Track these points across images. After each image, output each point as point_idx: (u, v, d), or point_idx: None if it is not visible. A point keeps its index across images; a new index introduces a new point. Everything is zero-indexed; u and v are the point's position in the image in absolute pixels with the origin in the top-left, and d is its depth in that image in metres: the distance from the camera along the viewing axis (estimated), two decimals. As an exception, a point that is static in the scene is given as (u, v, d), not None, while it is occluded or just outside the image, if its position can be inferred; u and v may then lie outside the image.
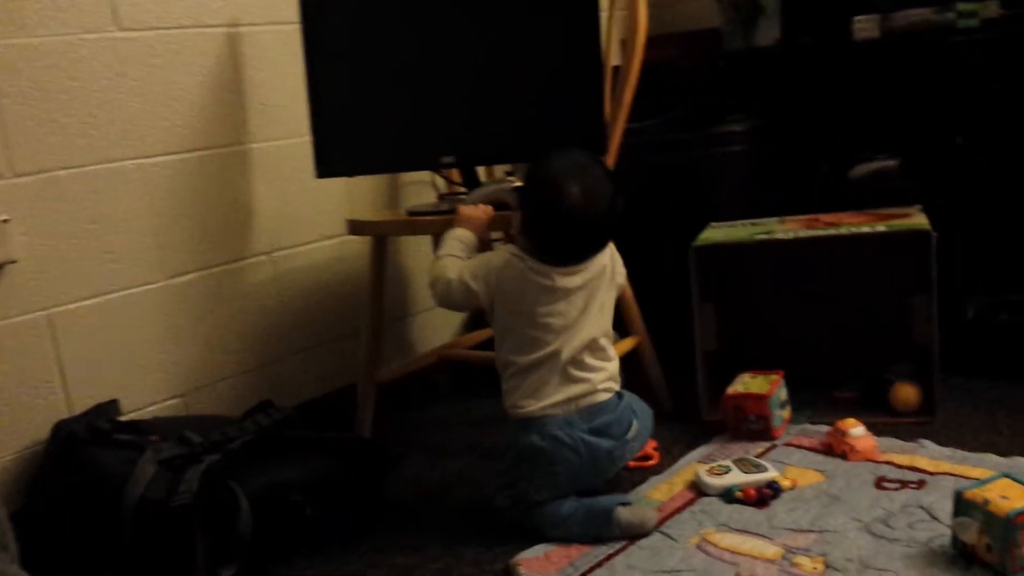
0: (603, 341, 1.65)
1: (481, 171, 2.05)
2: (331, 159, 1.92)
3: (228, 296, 2.01)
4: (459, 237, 1.72)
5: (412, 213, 1.94)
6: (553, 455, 1.57)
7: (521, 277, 1.60)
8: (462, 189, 1.97)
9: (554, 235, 1.59)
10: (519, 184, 1.72)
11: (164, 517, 1.48)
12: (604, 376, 1.64)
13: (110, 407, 1.75)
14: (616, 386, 1.67)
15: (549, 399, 1.59)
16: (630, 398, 1.69)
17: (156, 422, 1.77)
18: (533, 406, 1.60)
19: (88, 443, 1.62)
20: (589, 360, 1.63)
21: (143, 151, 1.85)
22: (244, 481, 1.55)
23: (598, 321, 1.64)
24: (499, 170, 2.09)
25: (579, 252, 1.61)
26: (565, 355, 1.60)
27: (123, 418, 1.78)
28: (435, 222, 1.87)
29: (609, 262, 1.67)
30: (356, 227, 1.95)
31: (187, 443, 1.60)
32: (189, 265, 1.94)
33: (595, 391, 1.62)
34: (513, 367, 1.63)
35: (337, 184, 2.18)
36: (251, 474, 1.58)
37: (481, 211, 1.75)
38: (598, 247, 1.63)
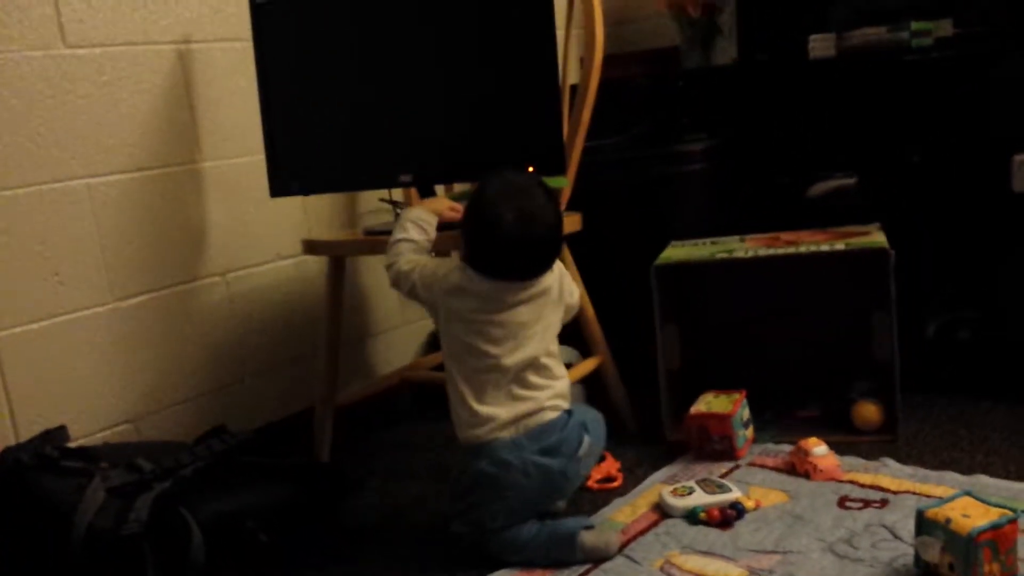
0: (546, 360, 1.62)
1: (440, 190, 2.03)
2: (285, 178, 1.88)
3: (181, 318, 1.96)
4: (415, 218, 1.71)
5: (369, 232, 1.90)
6: (504, 480, 1.54)
7: (464, 288, 1.58)
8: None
9: (491, 258, 1.57)
10: None
11: (114, 546, 1.42)
12: (551, 394, 1.61)
13: (58, 433, 1.69)
14: (565, 404, 1.64)
15: (494, 421, 1.56)
16: (580, 412, 1.65)
17: (106, 448, 1.72)
18: (480, 430, 1.57)
19: (35, 470, 1.55)
20: (533, 378, 1.60)
21: (92, 170, 1.80)
22: (196, 508, 1.51)
23: (542, 340, 1.62)
24: (458, 188, 2.06)
25: (518, 273, 1.59)
26: (507, 367, 1.57)
27: (72, 444, 1.72)
28: (393, 241, 1.84)
29: (556, 283, 1.64)
30: (312, 247, 1.91)
31: (137, 470, 1.55)
32: (140, 287, 1.89)
33: (542, 409, 1.59)
34: (456, 381, 1.60)
35: (293, 203, 2.15)
36: (203, 501, 1.53)
37: (447, 204, 1.76)
38: (538, 269, 1.60)
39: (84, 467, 1.56)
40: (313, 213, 2.20)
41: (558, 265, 1.64)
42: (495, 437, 1.56)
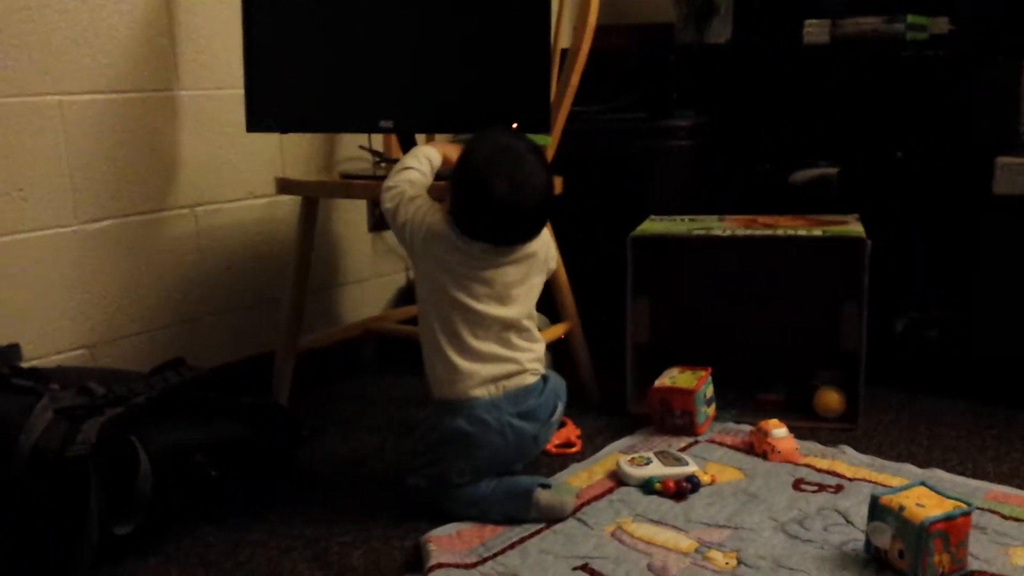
0: (527, 323, 1.61)
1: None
2: (263, 113, 1.84)
3: (145, 248, 1.92)
4: (428, 155, 1.65)
5: (346, 177, 1.87)
6: (479, 439, 1.53)
7: (450, 245, 1.55)
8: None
9: (479, 223, 1.53)
10: None
11: (58, 468, 1.39)
12: (531, 357, 1.60)
13: (10, 351, 1.66)
14: (542, 369, 1.63)
15: (472, 379, 1.54)
16: (553, 379, 1.65)
17: (59, 371, 1.68)
18: (458, 386, 1.54)
19: (-18, 386, 1.52)
20: (515, 339, 1.58)
21: (64, 88, 1.76)
22: (146, 437, 1.48)
23: (525, 302, 1.60)
24: (440, 140, 2.03)
25: (505, 239, 1.56)
26: (491, 325, 1.55)
27: (25, 364, 1.68)
28: (369, 186, 1.81)
29: (542, 248, 1.62)
30: (285, 186, 1.88)
31: (88, 393, 1.51)
32: (105, 211, 1.85)
33: (523, 372, 1.58)
34: (436, 334, 1.57)
35: (270, 142, 2.11)
36: (154, 431, 1.51)
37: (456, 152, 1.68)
38: (526, 237, 1.57)
39: (34, 387, 1.52)
40: (290, 155, 2.16)
41: (545, 229, 1.62)
42: (474, 395, 1.54)
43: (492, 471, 1.56)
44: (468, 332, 1.55)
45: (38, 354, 1.76)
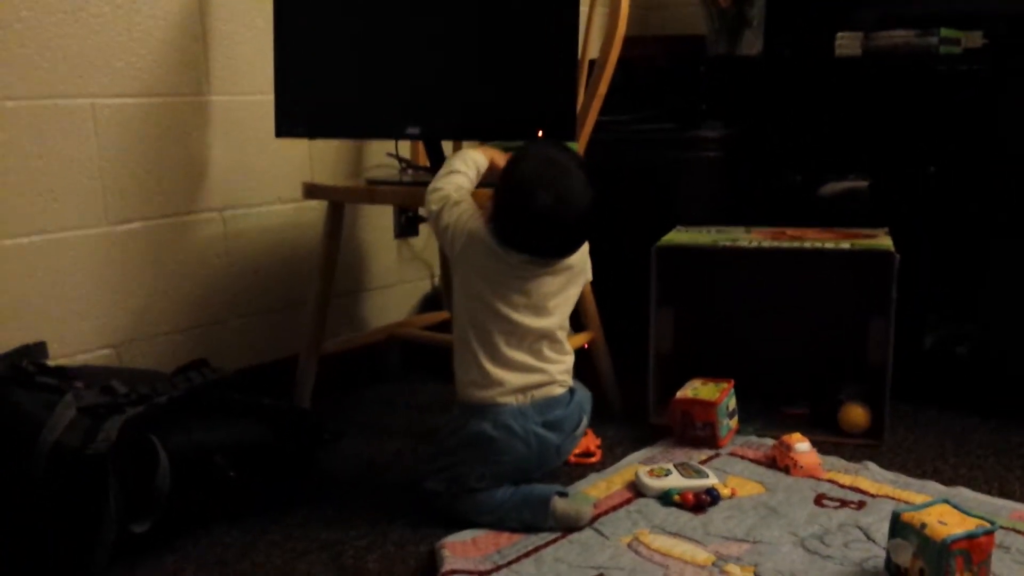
0: (560, 334, 1.61)
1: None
2: (292, 118, 1.86)
3: (173, 250, 1.94)
4: (476, 159, 1.64)
5: (372, 182, 1.88)
6: (503, 445, 1.53)
7: (490, 253, 1.54)
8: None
9: (521, 237, 1.53)
10: None
11: (78, 465, 1.40)
12: (561, 369, 1.60)
13: (37, 349, 1.68)
14: (570, 381, 1.63)
15: (503, 386, 1.54)
16: (580, 392, 1.64)
17: (84, 370, 1.70)
18: (487, 392, 1.54)
19: (8, 382, 1.53)
20: (547, 351, 1.58)
21: (97, 91, 1.78)
22: (166, 437, 1.49)
23: (560, 313, 1.60)
24: (467, 144, 2.03)
25: (544, 253, 1.55)
26: (525, 335, 1.55)
27: (50, 363, 1.70)
28: (394, 192, 1.82)
29: (580, 260, 1.62)
30: (312, 191, 1.89)
31: (111, 392, 1.53)
32: (134, 213, 1.87)
33: (552, 382, 1.58)
34: (469, 338, 1.57)
35: (299, 148, 2.12)
36: (175, 430, 1.52)
37: (503, 158, 1.67)
38: (567, 251, 1.57)
39: (58, 384, 1.54)
40: (318, 161, 2.17)
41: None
42: (503, 402, 1.54)
43: (511, 478, 1.56)
44: (502, 340, 1.55)
45: (64, 353, 1.78)
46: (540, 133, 1.70)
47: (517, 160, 1.55)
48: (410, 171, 1.97)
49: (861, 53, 2.18)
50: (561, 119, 1.72)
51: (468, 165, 1.63)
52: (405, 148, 2.12)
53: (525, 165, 1.54)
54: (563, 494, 1.54)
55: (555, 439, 1.57)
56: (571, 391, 1.62)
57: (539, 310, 1.56)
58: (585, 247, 1.63)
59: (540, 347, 1.58)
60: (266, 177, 2.09)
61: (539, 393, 1.56)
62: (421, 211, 2.38)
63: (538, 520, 1.51)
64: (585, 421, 1.64)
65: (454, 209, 1.58)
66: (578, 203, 1.52)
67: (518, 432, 1.53)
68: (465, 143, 2.07)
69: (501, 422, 1.53)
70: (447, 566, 1.37)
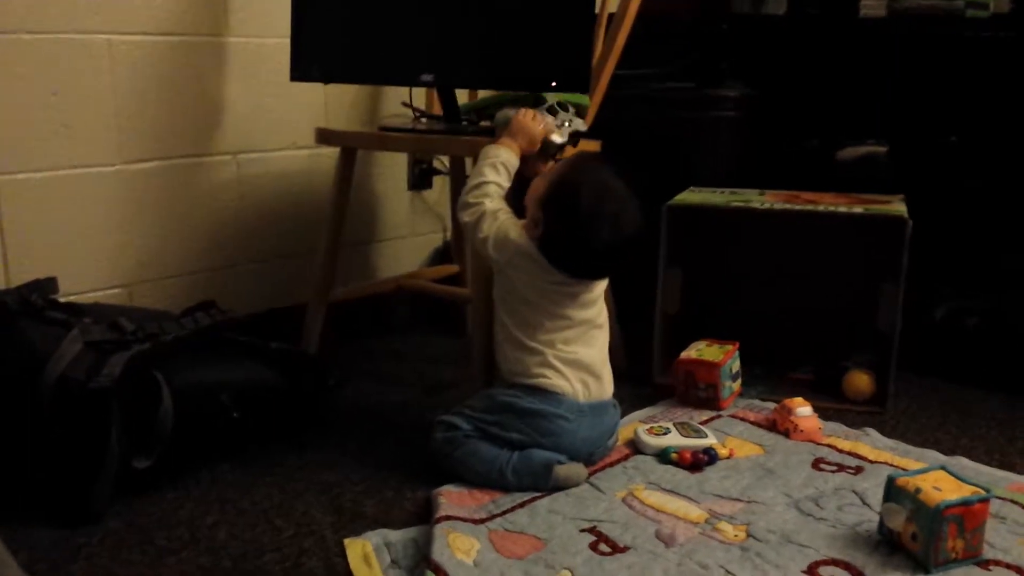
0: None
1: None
2: (308, 63, 1.85)
3: (186, 192, 1.95)
4: (507, 161, 1.60)
5: (385, 129, 1.87)
6: (551, 427, 1.52)
7: (539, 268, 1.53)
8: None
9: (576, 265, 1.53)
10: (576, 129, 1.67)
11: (82, 399, 1.42)
12: (611, 376, 1.61)
13: (47, 284, 1.69)
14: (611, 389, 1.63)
15: (564, 375, 1.54)
16: (617, 408, 1.65)
17: (93, 307, 1.71)
18: (556, 380, 1.53)
19: (17, 315, 1.55)
20: (599, 338, 1.61)
21: (114, 26, 1.78)
22: (172, 375, 1.51)
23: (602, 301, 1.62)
24: (482, 94, 2.02)
25: (599, 277, 1.58)
26: (578, 325, 1.56)
27: (61, 299, 1.72)
28: (406, 139, 1.81)
29: None
30: (325, 136, 1.89)
31: (118, 329, 1.55)
32: (149, 153, 1.88)
33: (604, 387, 1.59)
34: (522, 340, 1.56)
35: (315, 94, 2.12)
36: (180, 369, 1.54)
37: (540, 124, 1.63)
38: (617, 273, 1.61)
39: (66, 319, 1.56)
40: (333, 108, 2.17)
41: None
42: (567, 392, 1.54)
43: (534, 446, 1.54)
44: (558, 336, 1.55)
45: (76, 290, 1.80)
46: (554, 84, 1.68)
47: (572, 184, 1.50)
48: (424, 120, 1.97)
49: (886, 14, 2.15)
50: (576, 72, 1.70)
51: (499, 171, 1.59)
52: (420, 99, 2.11)
53: (583, 195, 1.48)
54: (561, 461, 1.53)
55: (598, 440, 1.58)
56: (614, 404, 1.63)
57: (587, 304, 1.58)
58: None
59: (592, 336, 1.58)
60: (282, 122, 2.08)
61: (594, 395, 1.56)
62: (436, 163, 2.38)
63: (539, 484, 1.50)
64: (616, 436, 1.64)
65: (492, 220, 1.56)
66: (633, 232, 1.51)
67: (572, 420, 1.53)
68: (480, 92, 2.06)
69: (574, 407, 1.53)
70: (441, 512, 1.39)
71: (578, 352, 1.56)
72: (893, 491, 1.33)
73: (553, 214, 1.51)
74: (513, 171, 1.61)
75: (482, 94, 2.05)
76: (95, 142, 1.79)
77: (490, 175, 1.59)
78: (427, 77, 1.80)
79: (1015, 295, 2.03)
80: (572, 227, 1.49)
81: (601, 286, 1.61)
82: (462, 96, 1.97)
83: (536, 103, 1.71)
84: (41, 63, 1.69)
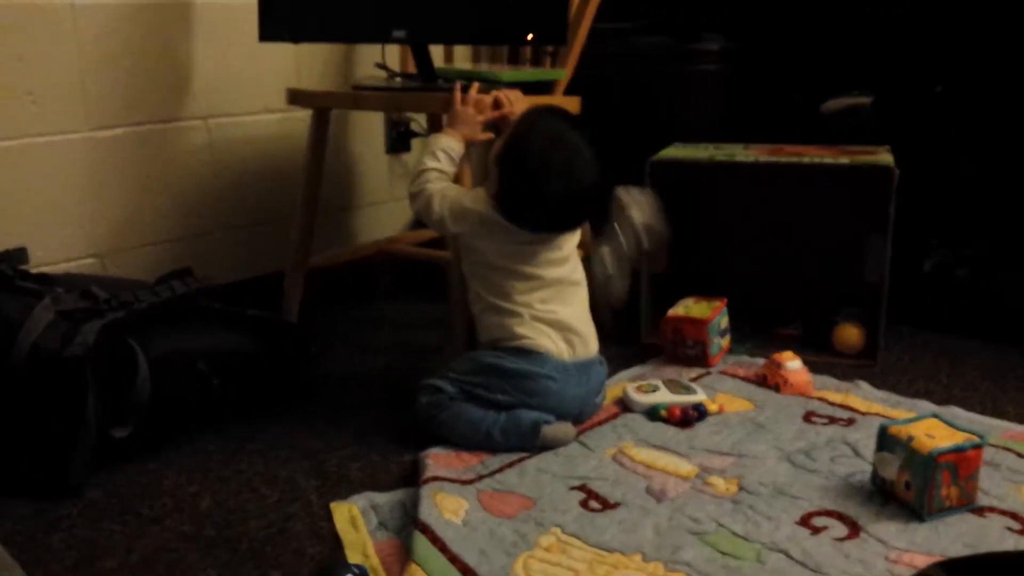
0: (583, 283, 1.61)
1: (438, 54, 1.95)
2: (276, 22, 1.79)
3: (157, 158, 1.90)
4: (446, 147, 1.61)
5: (358, 88, 1.83)
6: (545, 388, 1.50)
7: (501, 231, 1.52)
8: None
9: (530, 217, 1.51)
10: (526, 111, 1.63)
11: (56, 369, 1.38)
12: (594, 333, 1.59)
13: (17, 254, 1.65)
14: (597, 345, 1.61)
15: (546, 334, 1.52)
16: (604, 365, 1.62)
17: (65, 277, 1.68)
18: (539, 340, 1.51)
19: (-13, 286, 1.52)
20: (577, 297, 1.58)
21: (76, -11, 1.73)
22: (148, 343, 1.48)
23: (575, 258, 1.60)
24: (458, 52, 1.98)
25: (555, 230, 1.54)
26: (551, 284, 1.54)
27: (32, 270, 1.68)
28: (380, 98, 1.77)
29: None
30: (296, 96, 1.84)
31: (91, 297, 1.51)
32: (117, 119, 1.83)
33: (588, 345, 1.57)
34: (497, 303, 1.54)
35: (285, 56, 2.07)
36: (156, 337, 1.50)
37: (475, 110, 1.63)
38: (576, 225, 1.57)
39: (38, 289, 1.52)
40: (305, 70, 2.12)
41: None
42: (551, 351, 1.52)
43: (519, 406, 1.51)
44: (535, 297, 1.53)
45: (47, 260, 1.76)
46: (530, 37, 1.65)
47: (522, 137, 1.51)
48: (397, 79, 1.92)
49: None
50: (552, 24, 1.66)
51: (438, 158, 1.61)
52: (394, 60, 2.06)
53: (532, 145, 1.49)
54: (548, 421, 1.50)
55: (585, 398, 1.56)
56: (600, 361, 1.60)
57: (558, 262, 1.56)
58: None
59: (569, 293, 1.56)
60: (253, 85, 2.04)
61: (580, 354, 1.54)
62: (413, 125, 2.34)
63: (526, 445, 1.48)
64: (603, 393, 1.62)
65: (442, 200, 1.57)
66: (588, 182, 1.49)
67: (557, 379, 1.51)
68: (456, 49, 2.01)
69: (560, 365, 1.51)
70: (429, 472, 1.36)
71: (557, 311, 1.54)
72: (885, 440, 1.32)
73: (506, 168, 1.52)
74: (457, 157, 1.62)
75: (458, 51, 2.00)
76: (61, 110, 1.74)
77: (429, 163, 1.60)
78: (399, 33, 1.75)
79: (1004, 244, 2.01)
80: (524, 178, 1.49)
81: (570, 243, 1.58)
82: (437, 59, 1.93)
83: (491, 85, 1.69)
84: (3, 30, 1.64)
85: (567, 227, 1.56)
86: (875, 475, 1.34)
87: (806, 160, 1.87)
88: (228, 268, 2.04)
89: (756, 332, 2.00)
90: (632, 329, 1.97)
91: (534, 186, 1.48)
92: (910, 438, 1.28)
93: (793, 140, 2.08)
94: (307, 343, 1.78)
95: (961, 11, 2.03)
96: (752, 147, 2.05)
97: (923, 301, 2.07)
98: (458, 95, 1.63)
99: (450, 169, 1.62)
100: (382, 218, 2.37)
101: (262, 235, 2.12)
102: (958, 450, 1.26)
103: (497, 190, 1.52)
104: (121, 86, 1.82)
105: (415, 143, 2.38)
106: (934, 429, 1.30)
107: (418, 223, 2.42)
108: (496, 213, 1.52)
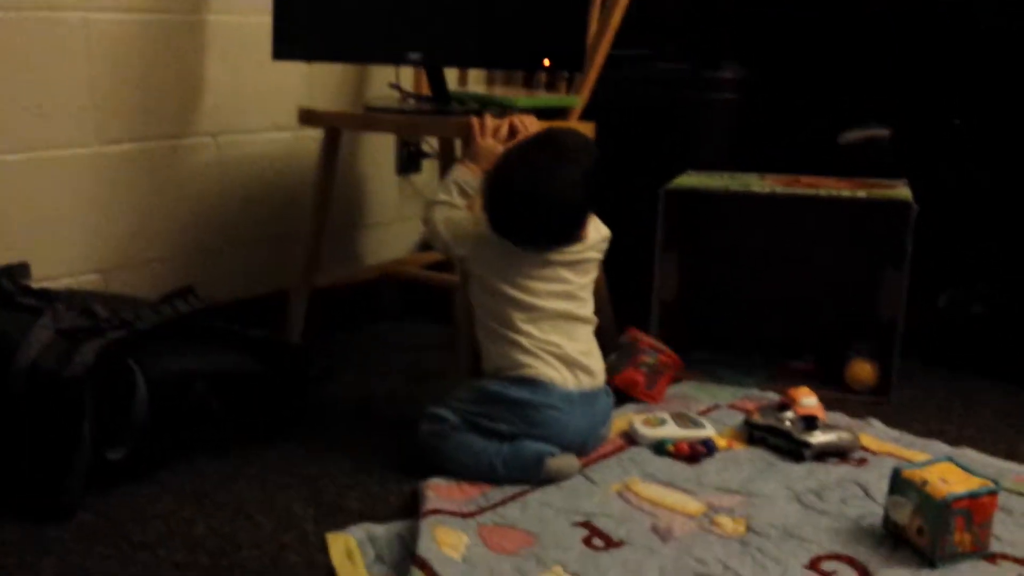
0: (590, 319, 1.58)
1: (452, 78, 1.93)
2: (291, 40, 1.78)
3: (165, 174, 1.89)
4: (461, 181, 1.60)
5: (371, 109, 1.81)
6: (548, 418, 1.47)
7: (495, 248, 1.51)
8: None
9: (503, 222, 1.50)
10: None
11: (54, 388, 1.36)
12: (601, 366, 1.56)
13: (19, 269, 1.64)
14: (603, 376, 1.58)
15: (558, 371, 1.49)
16: (610, 395, 1.60)
17: (67, 293, 1.66)
18: (543, 369, 1.49)
19: (-13, 302, 1.50)
20: (581, 332, 1.55)
21: (90, 4, 1.72)
22: (147, 363, 1.45)
23: (583, 294, 1.57)
24: (473, 75, 1.96)
25: (531, 241, 1.51)
26: (552, 317, 1.51)
27: (34, 285, 1.66)
28: (392, 120, 1.76)
29: (597, 247, 1.58)
30: (308, 116, 1.83)
31: (92, 315, 1.49)
32: (126, 134, 1.81)
33: (595, 377, 1.54)
34: (499, 332, 1.52)
35: (297, 75, 2.06)
36: (156, 357, 1.48)
37: (497, 144, 1.62)
38: (554, 240, 1.52)
39: (39, 306, 1.50)
40: (318, 89, 2.11)
41: (594, 228, 1.57)
42: (555, 381, 1.49)
43: (522, 436, 1.49)
44: (533, 326, 1.51)
45: (50, 276, 1.74)
46: (546, 63, 1.63)
47: (503, 154, 1.53)
48: (411, 100, 1.91)
49: (889, -6, 2.09)
50: (569, 50, 1.65)
51: (449, 190, 1.60)
52: (408, 81, 2.05)
53: (516, 148, 1.51)
54: (552, 453, 1.47)
55: (590, 430, 1.53)
56: (606, 391, 1.58)
57: (562, 296, 1.53)
58: (599, 228, 1.58)
59: (573, 329, 1.54)
60: (263, 103, 2.02)
61: (586, 384, 1.52)
62: (424, 146, 2.32)
63: (529, 477, 1.45)
64: (609, 425, 1.59)
65: (447, 225, 1.57)
66: (560, 189, 1.47)
67: (564, 410, 1.48)
68: (471, 73, 2.00)
69: (564, 395, 1.49)
70: (429, 505, 1.33)
71: (562, 346, 1.51)
72: (899, 483, 1.28)
73: (487, 181, 1.53)
74: (471, 191, 1.61)
75: (472, 75, 1.99)
76: (70, 123, 1.73)
77: (442, 195, 1.61)
78: (414, 56, 1.74)
79: (1020, 282, 1.98)
80: (494, 174, 1.51)
81: (577, 278, 1.55)
82: (452, 81, 1.91)
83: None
84: (14, 41, 1.63)
85: (542, 235, 1.51)
86: (887, 519, 1.31)
87: (823, 192, 1.85)
88: (232, 286, 2.02)
89: (766, 365, 1.97)
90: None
91: (501, 181, 1.49)
92: (924, 482, 1.24)
93: (809, 171, 2.06)
94: (309, 365, 1.75)
95: (979, 44, 2.00)
96: (768, 177, 2.02)
97: (937, 337, 2.04)
98: (477, 128, 1.62)
99: (461, 202, 1.61)
100: (390, 239, 2.35)
101: (269, 253, 2.10)
102: (973, 496, 1.23)
103: (482, 202, 1.53)
104: (131, 101, 1.81)
105: (425, 164, 2.36)
106: (948, 473, 1.27)
107: (426, 245, 2.40)
108: (488, 228, 1.51)
